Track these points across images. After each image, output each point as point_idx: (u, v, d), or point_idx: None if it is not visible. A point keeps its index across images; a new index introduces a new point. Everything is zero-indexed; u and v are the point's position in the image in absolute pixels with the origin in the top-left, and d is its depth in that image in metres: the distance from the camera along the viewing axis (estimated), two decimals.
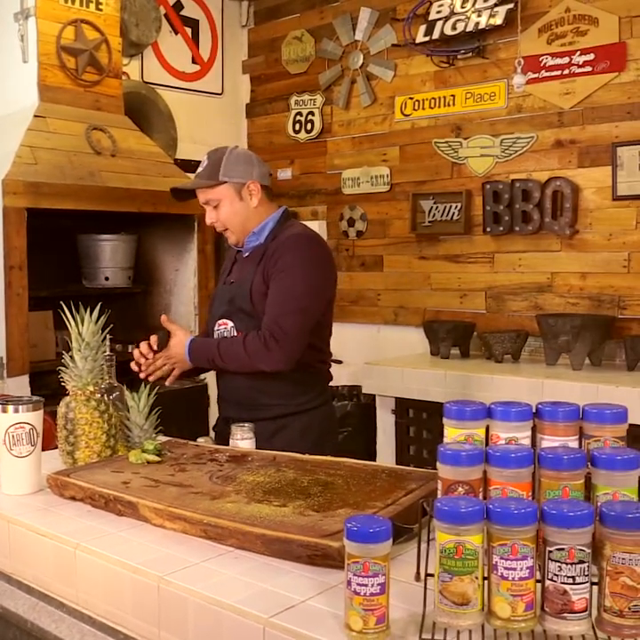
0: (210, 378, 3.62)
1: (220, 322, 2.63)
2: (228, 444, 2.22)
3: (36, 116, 3.85)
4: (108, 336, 2.11)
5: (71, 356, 2.03)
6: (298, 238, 2.57)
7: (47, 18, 3.94)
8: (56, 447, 2.11)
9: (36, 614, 1.66)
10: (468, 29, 4.40)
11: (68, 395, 2.05)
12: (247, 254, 2.64)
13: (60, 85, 3.99)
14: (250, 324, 2.54)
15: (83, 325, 2.04)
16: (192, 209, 4.24)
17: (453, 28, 4.46)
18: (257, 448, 2.17)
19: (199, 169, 2.58)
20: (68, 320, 2.05)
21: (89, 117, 4.07)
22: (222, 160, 2.54)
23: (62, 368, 2.05)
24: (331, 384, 2.76)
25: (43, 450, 1.97)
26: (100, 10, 4.16)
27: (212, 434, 2.80)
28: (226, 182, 2.54)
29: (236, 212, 2.57)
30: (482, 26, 4.36)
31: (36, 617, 1.65)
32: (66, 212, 3.80)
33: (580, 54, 4.12)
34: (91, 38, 4.10)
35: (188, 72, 5.36)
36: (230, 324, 2.59)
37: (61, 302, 2.11)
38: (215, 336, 2.64)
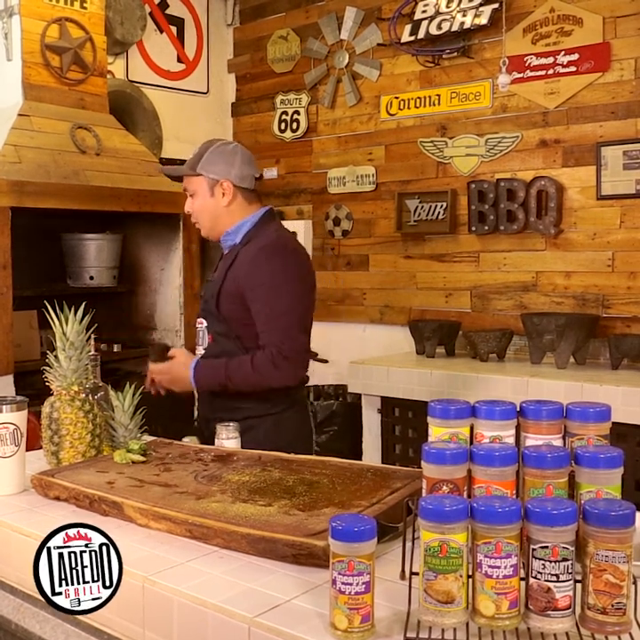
0: None
1: (198, 320, 2.64)
2: (207, 443, 2.22)
3: (20, 114, 3.83)
4: (92, 336, 2.10)
5: (55, 356, 2.02)
6: (270, 251, 2.49)
7: (31, 16, 3.92)
8: (40, 447, 2.10)
9: (21, 615, 1.65)
10: (453, 29, 4.42)
11: (52, 395, 2.04)
12: (226, 253, 2.64)
13: (44, 84, 3.97)
14: (217, 326, 2.53)
15: (67, 325, 2.03)
16: (177, 208, 4.24)
17: (439, 27, 4.47)
18: None
19: (190, 155, 2.59)
20: (52, 319, 2.04)
21: (73, 116, 4.05)
22: (205, 153, 2.54)
23: (46, 368, 2.04)
24: (317, 383, 2.75)
25: (27, 450, 1.96)
26: (85, 8, 4.14)
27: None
28: (202, 175, 2.54)
29: (205, 207, 2.56)
30: (467, 25, 4.37)
31: (21, 618, 1.65)
32: (50, 211, 3.78)
33: (565, 54, 4.14)
34: (75, 37, 4.08)
35: (174, 71, 5.35)
36: (204, 323, 2.59)
37: (46, 302, 2.09)
38: (197, 334, 2.64)
